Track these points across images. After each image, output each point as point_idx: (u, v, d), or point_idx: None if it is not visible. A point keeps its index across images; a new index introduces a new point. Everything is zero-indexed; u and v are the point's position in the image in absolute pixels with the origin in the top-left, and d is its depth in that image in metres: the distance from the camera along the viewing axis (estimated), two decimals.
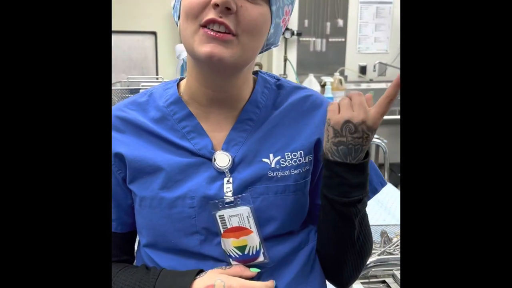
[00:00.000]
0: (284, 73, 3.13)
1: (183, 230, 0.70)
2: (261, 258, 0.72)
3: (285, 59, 3.10)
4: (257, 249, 0.71)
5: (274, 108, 0.76)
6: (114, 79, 2.43)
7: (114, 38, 2.90)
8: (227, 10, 0.62)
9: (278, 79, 0.80)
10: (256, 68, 3.29)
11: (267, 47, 0.73)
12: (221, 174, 0.71)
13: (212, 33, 0.63)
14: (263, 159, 0.72)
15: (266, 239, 0.72)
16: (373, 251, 1.29)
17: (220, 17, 0.62)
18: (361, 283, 1.18)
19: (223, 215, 0.70)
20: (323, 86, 2.93)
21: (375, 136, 2.57)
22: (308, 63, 3.15)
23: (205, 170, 0.71)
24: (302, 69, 3.13)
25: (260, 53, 0.74)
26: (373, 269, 1.10)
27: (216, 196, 0.70)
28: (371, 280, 1.21)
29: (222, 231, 0.70)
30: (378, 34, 3.19)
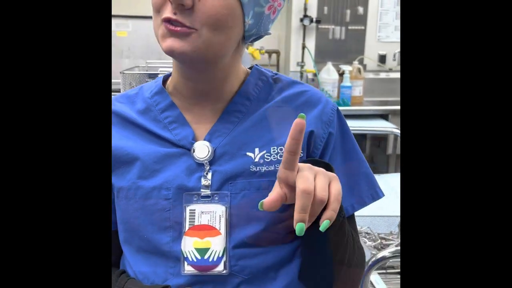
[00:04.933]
0: (302, 61, 3.10)
1: (157, 224, 0.68)
2: (220, 267, 0.66)
3: (303, 47, 3.07)
4: (219, 255, 0.66)
5: (266, 101, 0.73)
6: (132, 64, 2.43)
7: (132, 23, 2.90)
8: (181, 6, 0.60)
9: (276, 74, 0.77)
10: (274, 56, 3.25)
11: (254, 37, 0.69)
12: (200, 166, 0.68)
13: (170, 27, 0.61)
14: (248, 153, 0.69)
15: (246, 245, 0.67)
16: (390, 242, 1.28)
17: (175, 13, 0.61)
18: (378, 273, 1.18)
19: (194, 209, 0.67)
20: (341, 74, 2.89)
21: (391, 125, 2.52)
22: (327, 51, 3.11)
23: (184, 161, 0.69)
24: (321, 57, 3.10)
25: (251, 41, 0.70)
26: (390, 260, 1.09)
27: (194, 188, 0.68)
28: (388, 271, 1.21)
29: (187, 228, 0.67)
30: (399, 23, 3.13)
